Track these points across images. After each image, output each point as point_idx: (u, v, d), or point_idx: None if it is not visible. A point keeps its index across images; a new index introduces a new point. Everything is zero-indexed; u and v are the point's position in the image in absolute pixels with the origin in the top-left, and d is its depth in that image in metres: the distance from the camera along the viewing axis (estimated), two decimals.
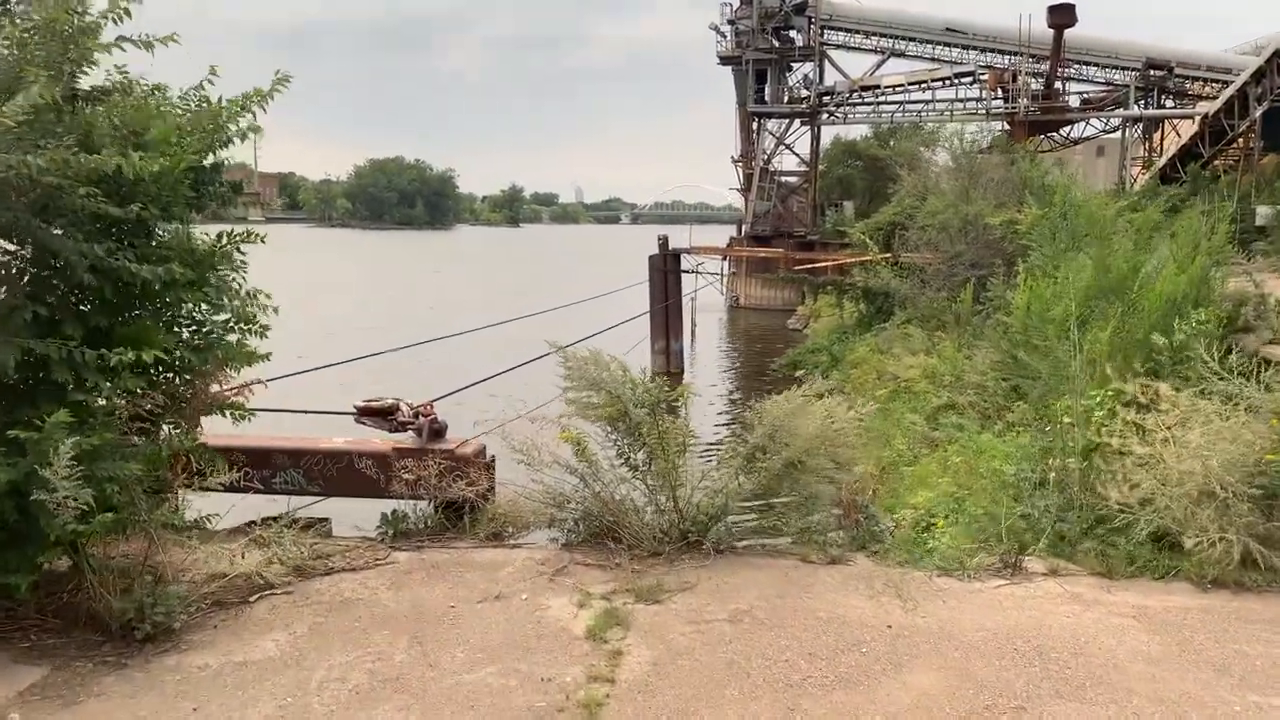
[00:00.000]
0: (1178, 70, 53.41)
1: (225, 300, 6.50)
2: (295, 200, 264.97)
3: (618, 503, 7.73)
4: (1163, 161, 45.61)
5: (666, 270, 34.12)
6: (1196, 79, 53.58)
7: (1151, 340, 13.19)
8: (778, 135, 59.93)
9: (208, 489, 6.47)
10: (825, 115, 59.19)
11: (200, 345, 6.30)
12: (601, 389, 7.68)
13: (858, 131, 69.48)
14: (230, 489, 6.65)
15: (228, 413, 6.44)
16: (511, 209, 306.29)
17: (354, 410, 7.38)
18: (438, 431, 7.18)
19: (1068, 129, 59.60)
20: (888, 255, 31.37)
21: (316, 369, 9.73)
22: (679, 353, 33.87)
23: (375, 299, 59.46)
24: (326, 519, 8.04)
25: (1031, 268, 20.61)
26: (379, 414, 7.12)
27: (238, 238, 6.75)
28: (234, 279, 6.68)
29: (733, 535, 7.97)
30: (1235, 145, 39.38)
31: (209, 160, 6.75)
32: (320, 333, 39.88)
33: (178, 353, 6.21)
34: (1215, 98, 50.64)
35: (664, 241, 34.40)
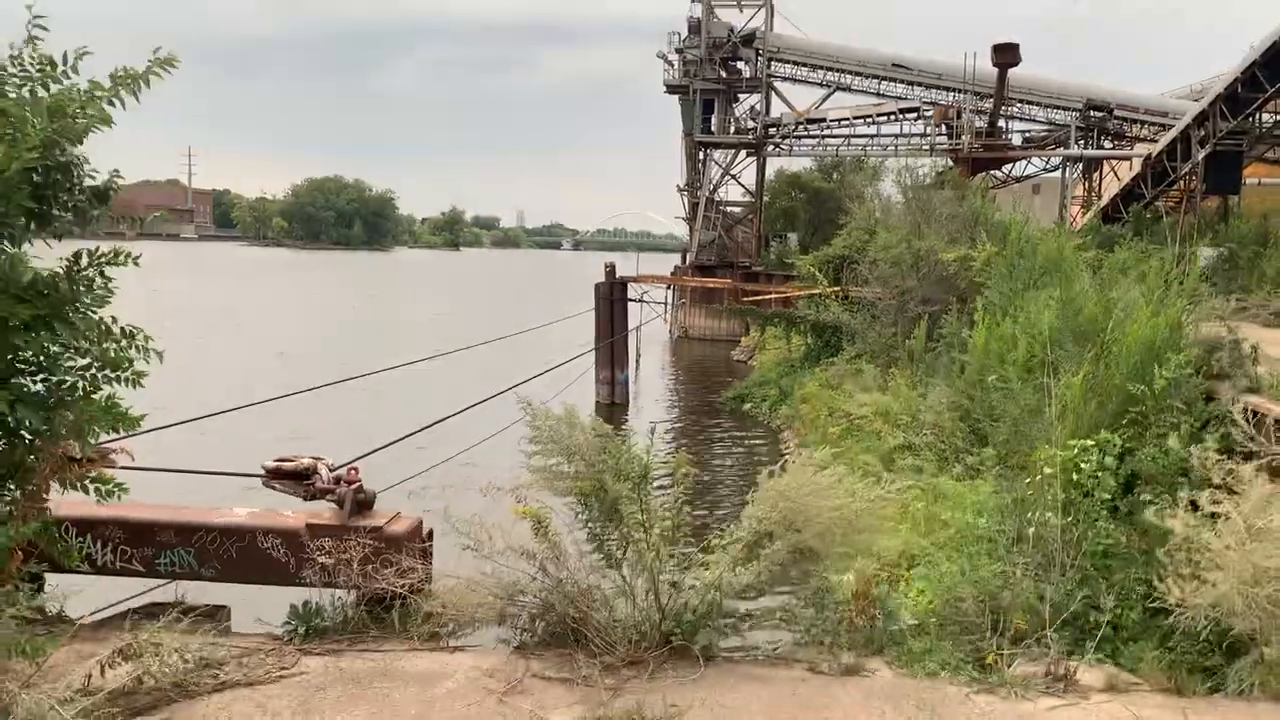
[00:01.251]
0: (1117, 112, 54.30)
1: (86, 342, 5.01)
2: (230, 218, 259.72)
3: (585, 594, 6.40)
4: (1104, 201, 46.13)
5: (613, 299, 33.21)
6: (1135, 121, 54.52)
7: (1128, 388, 12.60)
8: (724, 165, 59.67)
9: (75, 570, 5.24)
10: (771, 146, 59.11)
11: (51, 401, 4.80)
12: (575, 456, 6.54)
13: (801, 164, 69.77)
14: (101, 570, 5.37)
15: (90, 488, 5.07)
16: (452, 232, 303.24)
17: (262, 471, 5.81)
18: (363, 503, 5.69)
19: (1009, 166, 60.25)
20: (837, 289, 30.87)
21: (210, 415, 8.09)
22: (624, 383, 32.93)
23: (303, 326, 57.53)
24: (224, 606, 6.44)
25: (990, 305, 20.11)
26: (292, 476, 5.62)
27: (101, 259, 5.30)
28: (100, 315, 5.20)
29: (724, 634, 6.85)
30: (1177, 187, 39.78)
31: (60, 158, 5.34)
32: (237, 369, 38.24)
33: (18, 413, 4.75)
34: (1153, 140, 51.49)
35: (611, 269, 33.52)
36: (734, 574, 6.70)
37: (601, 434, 6.78)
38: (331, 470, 5.61)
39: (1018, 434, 15.25)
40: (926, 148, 57.05)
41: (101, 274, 4.87)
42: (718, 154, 59.65)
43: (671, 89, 59.00)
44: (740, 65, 59.34)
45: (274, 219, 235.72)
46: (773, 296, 33.38)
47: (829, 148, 60.60)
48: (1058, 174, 59.25)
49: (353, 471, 4.97)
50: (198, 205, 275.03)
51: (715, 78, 58.34)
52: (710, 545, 7.34)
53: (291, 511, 5.74)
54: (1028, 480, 12.30)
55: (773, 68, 58.17)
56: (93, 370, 4.79)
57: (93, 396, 4.75)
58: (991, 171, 59.89)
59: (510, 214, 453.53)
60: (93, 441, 4.75)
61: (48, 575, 5.21)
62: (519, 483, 6.33)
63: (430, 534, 6.18)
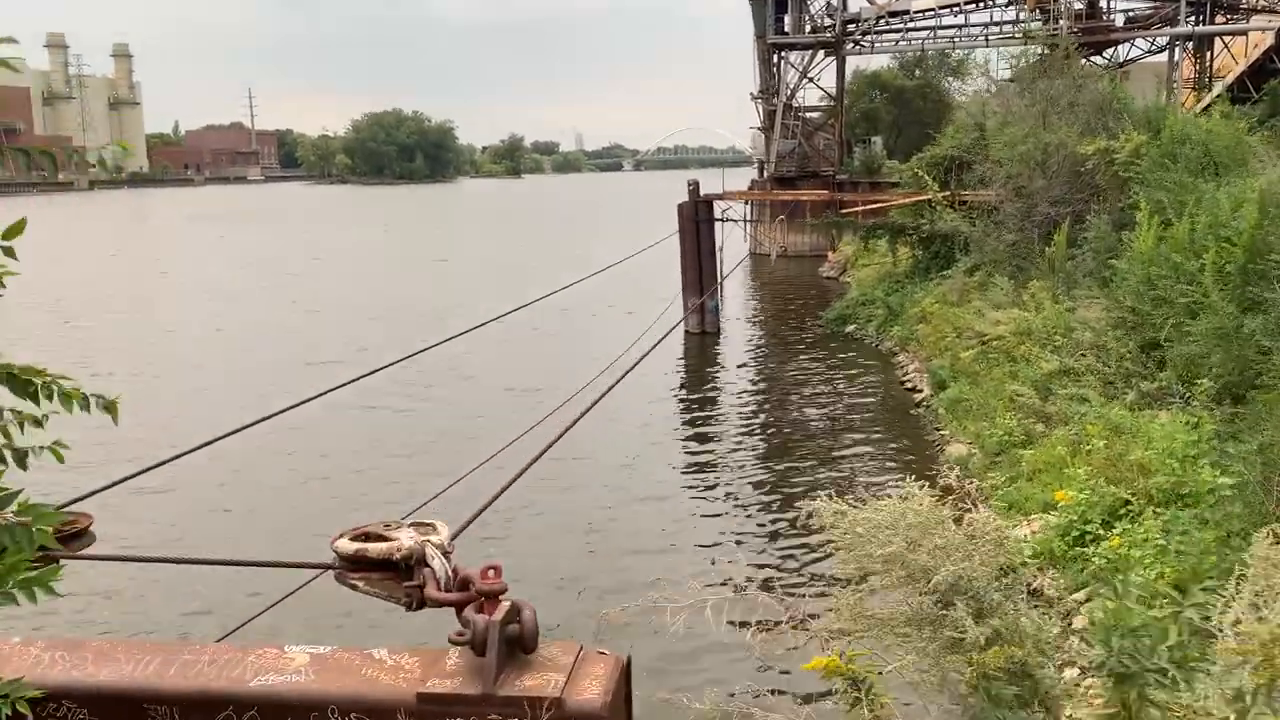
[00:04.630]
0: None
1: None
2: (294, 157, 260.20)
3: None
4: (1231, 78, 41.84)
5: (698, 219, 30.73)
6: None
7: None
8: (800, 68, 55.97)
9: None
10: (850, 44, 55.28)
11: None
12: (960, 598, 4.27)
13: (879, 62, 65.60)
14: None
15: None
16: (512, 159, 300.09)
17: (335, 559, 3.00)
18: (521, 642, 2.76)
19: (1110, 51, 55.50)
20: (948, 194, 28.01)
21: (261, 420, 5.52)
22: (714, 310, 30.65)
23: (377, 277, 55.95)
24: None
25: (1155, 204, 17.28)
26: (382, 567, 2.91)
27: None
28: None
29: None
30: None
31: None
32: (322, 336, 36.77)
33: None
34: (1275, 9, 46.69)
35: (694, 187, 30.95)
36: None
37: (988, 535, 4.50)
38: (448, 545, 2.87)
39: (1231, 356, 12.70)
40: (1019, 35, 52.72)
41: None
42: (793, 56, 55.97)
43: None
44: None
45: (337, 156, 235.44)
46: (879, 206, 30.57)
47: (913, 42, 56.50)
48: (1156, 58, 54.50)
49: (491, 574, 2.52)
50: (262, 146, 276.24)
51: None
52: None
53: (387, 650, 2.77)
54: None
55: None
56: None
57: None
58: (1091, 58, 55.37)
59: (569, 138, 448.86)
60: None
61: None
62: (826, 625, 4.16)
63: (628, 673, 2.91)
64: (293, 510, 15.10)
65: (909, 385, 22.05)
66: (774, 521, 14.66)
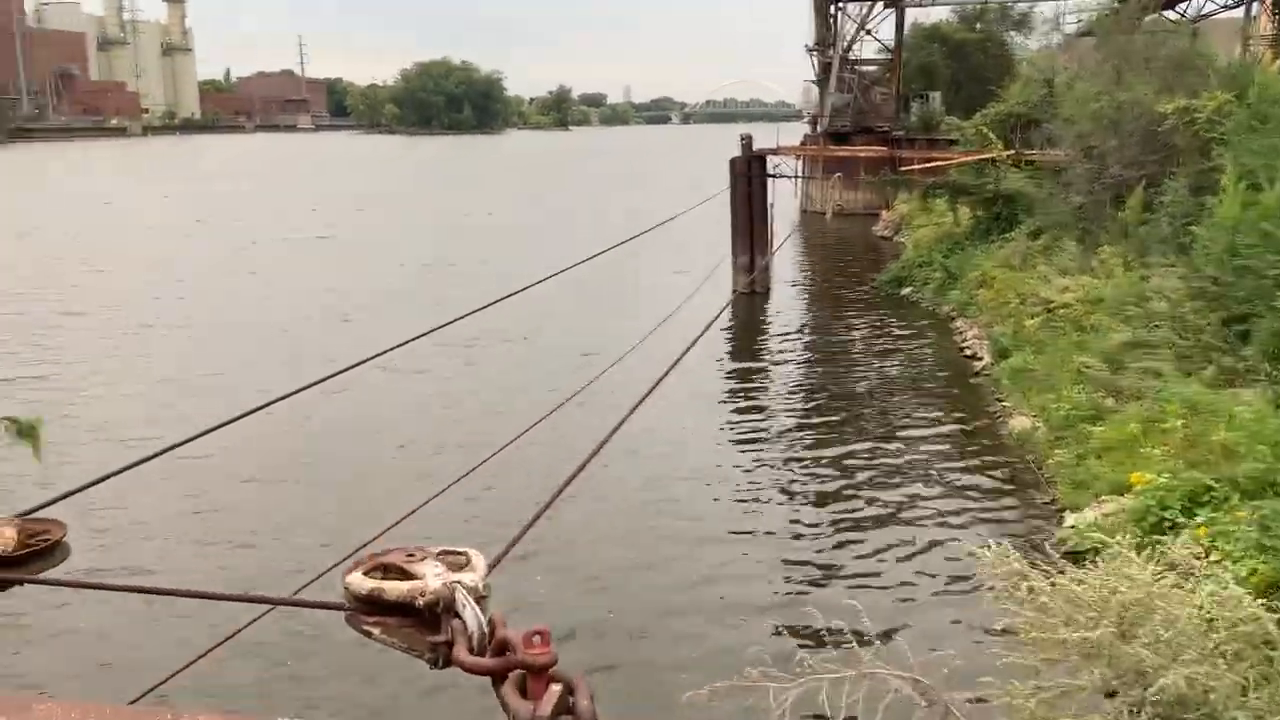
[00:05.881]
0: None
1: None
2: (343, 106, 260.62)
3: None
4: None
5: (750, 175, 29.87)
6: None
7: None
8: (858, 19, 54.32)
9: None
10: None
11: None
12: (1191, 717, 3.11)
13: (938, 15, 63.50)
14: None
15: None
16: (560, 111, 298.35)
17: (343, 594, 2.24)
18: None
19: (1183, 4, 53.18)
20: (1012, 153, 26.89)
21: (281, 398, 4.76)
22: (765, 269, 29.86)
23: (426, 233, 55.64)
24: None
25: (1243, 167, 16.24)
26: (401, 610, 2.20)
27: None
28: None
29: None
30: None
31: None
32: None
33: None
34: None
35: (747, 142, 30.05)
36: None
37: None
38: (482, 585, 2.28)
39: None
40: None
41: None
42: (850, 8, 54.31)
43: None
44: None
45: (386, 106, 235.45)
46: (938, 164, 29.49)
47: None
48: (1232, 14, 52.14)
49: (537, 640, 1.99)
50: (311, 95, 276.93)
51: None
52: None
53: None
54: None
55: None
56: None
57: None
58: (1163, 13, 53.12)
59: (617, 90, 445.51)
60: None
61: None
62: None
63: None
64: (314, 497, 13.91)
65: (968, 352, 21.24)
66: (857, 528, 12.92)
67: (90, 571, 9.86)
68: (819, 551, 12.22)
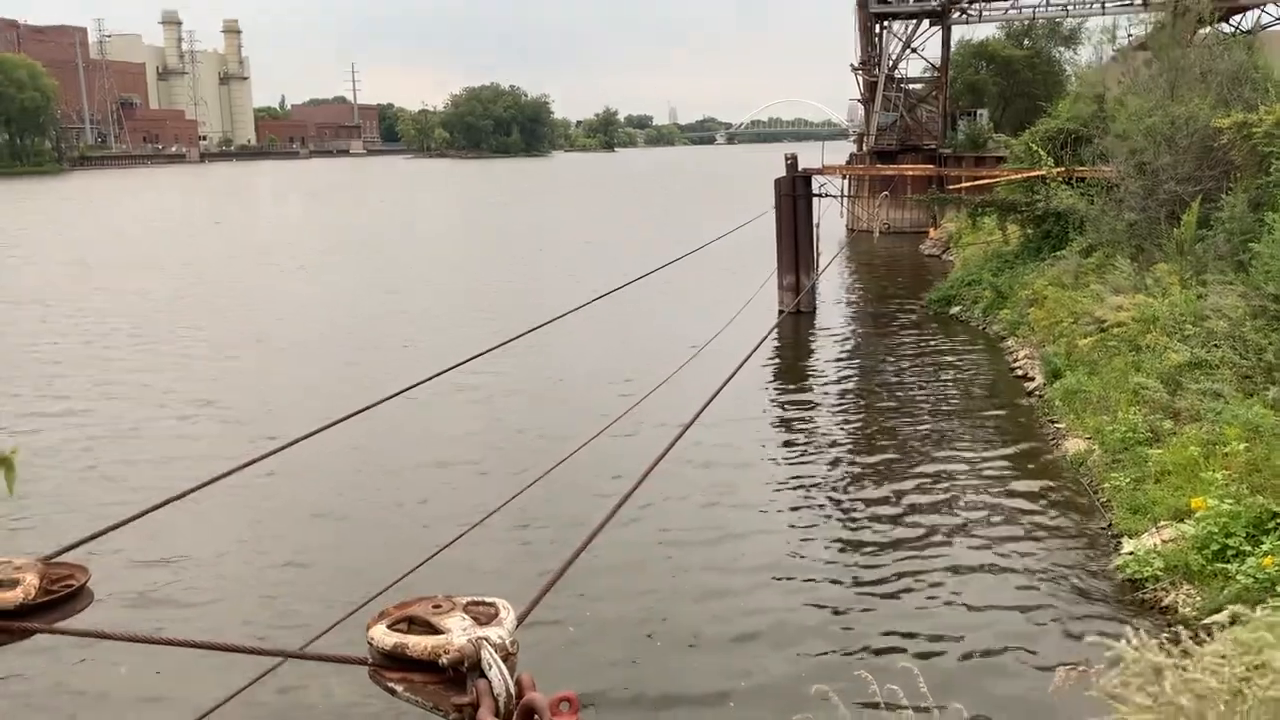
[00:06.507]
0: None
1: None
2: (394, 131, 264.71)
3: None
4: None
5: (795, 195, 29.72)
6: None
7: None
8: (904, 38, 54.02)
9: None
10: (957, 13, 53.12)
11: None
12: None
13: (984, 32, 62.94)
14: None
15: None
16: (606, 133, 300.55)
17: (368, 653, 2.09)
18: None
19: (1239, 17, 52.21)
20: (1062, 170, 26.45)
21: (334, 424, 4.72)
22: (811, 289, 29.64)
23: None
24: None
25: None
26: (423, 667, 2.10)
27: None
28: None
29: None
30: None
31: None
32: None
33: None
34: None
35: (792, 161, 29.93)
36: None
37: None
38: (510, 642, 2.01)
39: None
40: (1139, 2, 49.89)
41: None
42: (896, 26, 54.04)
43: None
44: None
45: (436, 130, 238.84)
46: (986, 182, 29.10)
47: (1023, 10, 54.03)
48: None
49: (565, 709, 1.86)
50: (364, 121, 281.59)
51: None
52: None
53: None
54: None
55: None
56: None
57: None
58: (1219, 25, 52.16)
59: (663, 111, 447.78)
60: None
61: None
62: None
63: None
64: (348, 531, 13.61)
65: (1019, 372, 20.85)
66: (910, 559, 12.39)
67: (112, 618, 9.84)
68: (872, 585, 11.76)
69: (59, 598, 2.46)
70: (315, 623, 7.89)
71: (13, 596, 2.34)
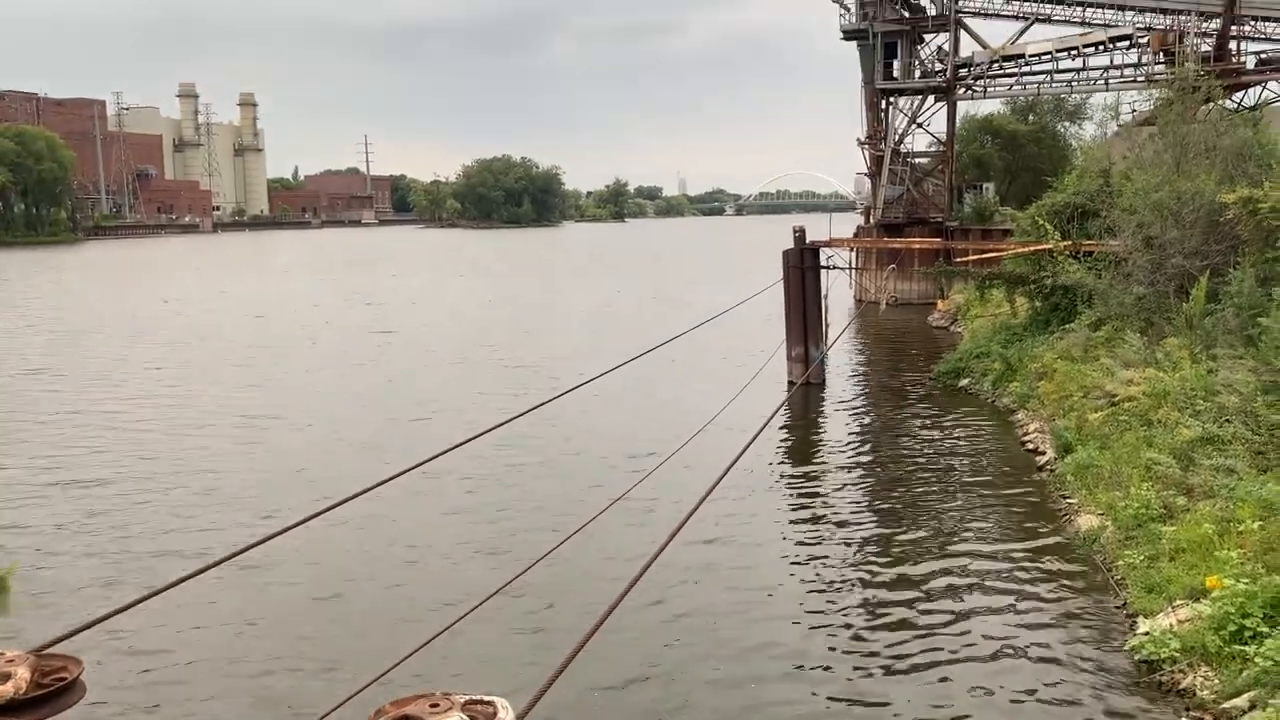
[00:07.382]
0: None
1: None
2: (406, 201, 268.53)
3: None
4: None
5: (804, 266, 29.90)
6: None
7: None
8: (909, 113, 54.83)
9: None
10: (963, 89, 53.96)
11: None
12: None
13: (990, 107, 63.87)
14: None
15: None
16: (616, 204, 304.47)
17: None
18: None
19: (1240, 95, 52.88)
20: (1069, 244, 26.58)
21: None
22: (820, 360, 29.65)
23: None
24: None
25: None
26: None
27: None
28: None
29: None
30: None
31: None
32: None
33: None
34: None
35: (800, 234, 30.17)
36: None
37: None
38: None
39: None
40: (1142, 79, 50.64)
41: None
42: (902, 101, 54.89)
43: (849, 35, 54.57)
44: (924, 2, 54.49)
45: (448, 201, 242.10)
46: (993, 255, 29.27)
47: (1028, 87, 54.82)
48: None
49: None
50: (376, 191, 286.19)
51: (897, 18, 53.71)
52: None
53: None
54: None
55: (961, 3, 52.96)
56: None
57: None
58: (1221, 102, 52.86)
59: (672, 182, 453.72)
60: None
61: None
62: None
63: None
64: (349, 615, 13.20)
65: (1030, 446, 20.69)
66: (920, 639, 12.22)
67: (105, 713, 9.62)
68: (887, 670, 11.43)
69: (50, 692, 2.41)
70: (312, 716, 7.71)
71: (3, 691, 2.29)
